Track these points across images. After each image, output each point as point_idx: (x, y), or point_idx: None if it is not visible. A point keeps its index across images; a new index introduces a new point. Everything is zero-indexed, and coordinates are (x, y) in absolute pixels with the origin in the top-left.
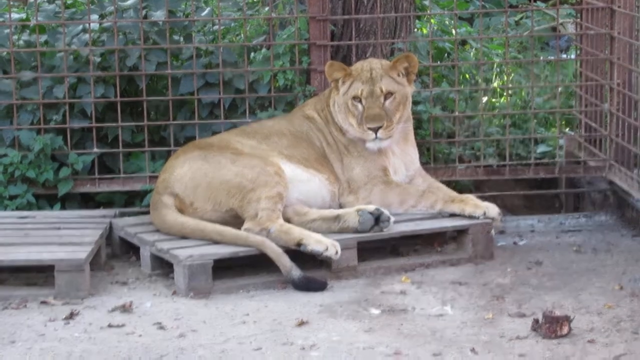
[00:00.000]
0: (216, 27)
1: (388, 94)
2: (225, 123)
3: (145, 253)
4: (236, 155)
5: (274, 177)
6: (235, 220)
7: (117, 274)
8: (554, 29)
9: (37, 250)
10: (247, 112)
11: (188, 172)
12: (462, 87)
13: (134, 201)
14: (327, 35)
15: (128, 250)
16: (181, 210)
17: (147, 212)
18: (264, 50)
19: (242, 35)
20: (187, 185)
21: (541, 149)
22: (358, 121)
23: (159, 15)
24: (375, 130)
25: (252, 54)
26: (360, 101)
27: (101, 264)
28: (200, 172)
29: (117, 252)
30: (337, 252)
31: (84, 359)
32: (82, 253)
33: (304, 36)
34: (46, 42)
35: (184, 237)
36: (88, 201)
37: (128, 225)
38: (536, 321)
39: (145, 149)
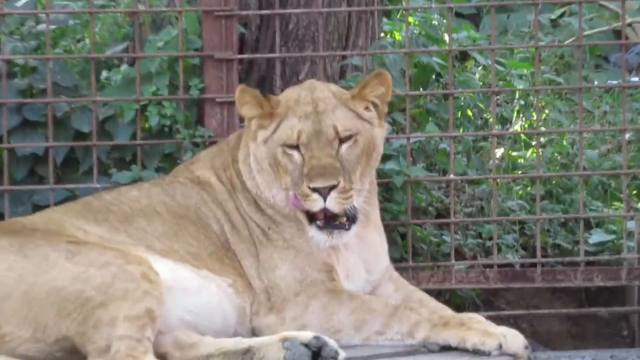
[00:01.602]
0: (43, 26)
1: (346, 136)
2: (56, 190)
3: None
4: (76, 246)
5: (140, 283)
6: (72, 357)
7: None
8: (617, 33)
9: None
10: (95, 172)
11: None
12: (462, 131)
13: None
14: (234, 42)
15: None
16: None
17: None
18: (124, 66)
19: (88, 41)
20: None
21: (597, 237)
22: (294, 180)
23: None
24: (325, 192)
25: (105, 74)
26: (297, 148)
27: None
28: (11, 274)
29: None
30: None
31: None
32: None
33: (193, 44)
34: None
35: None
36: None
37: None
38: None
39: None
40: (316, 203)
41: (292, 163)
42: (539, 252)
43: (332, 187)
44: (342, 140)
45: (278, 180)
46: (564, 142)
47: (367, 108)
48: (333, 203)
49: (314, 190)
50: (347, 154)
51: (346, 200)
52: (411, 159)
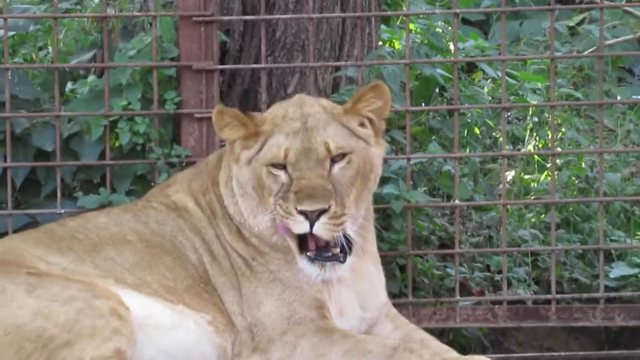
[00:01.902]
0: (0, 32)
1: (338, 154)
2: (15, 216)
3: None
4: (37, 279)
5: (108, 320)
6: None
7: None
8: None
9: None
10: (59, 195)
11: None
12: (468, 151)
13: None
14: (214, 51)
15: None
16: None
17: None
18: (92, 77)
19: (51, 49)
20: None
21: (618, 271)
22: (277, 199)
23: None
24: (313, 216)
25: (70, 86)
26: (284, 168)
27: None
28: None
29: None
30: None
31: None
32: None
33: (169, 53)
34: None
35: None
36: None
37: None
38: None
39: None
40: (300, 225)
41: (278, 184)
42: (553, 288)
43: (322, 212)
44: (334, 160)
45: (263, 206)
46: (583, 164)
47: (362, 124)
48: (322, 229)
49: (301, 212)
50: (340, 175)
51: (338, 227)
52: (412, 182)
